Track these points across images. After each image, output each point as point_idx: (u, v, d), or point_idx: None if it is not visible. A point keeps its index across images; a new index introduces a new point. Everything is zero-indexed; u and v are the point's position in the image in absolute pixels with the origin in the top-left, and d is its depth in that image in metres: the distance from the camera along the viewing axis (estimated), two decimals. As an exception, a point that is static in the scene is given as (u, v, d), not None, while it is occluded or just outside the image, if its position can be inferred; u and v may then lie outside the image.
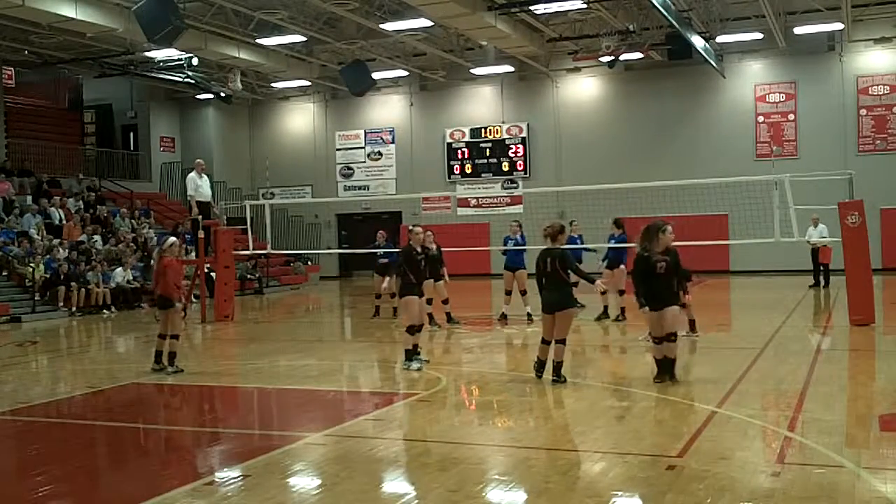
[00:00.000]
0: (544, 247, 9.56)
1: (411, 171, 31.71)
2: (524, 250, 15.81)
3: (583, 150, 29.30)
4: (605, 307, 15.51)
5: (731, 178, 20.61)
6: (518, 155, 30.33)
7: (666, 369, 9.30)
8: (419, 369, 10.46)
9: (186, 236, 20.63)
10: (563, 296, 9.38)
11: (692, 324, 12.88)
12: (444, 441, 7.29)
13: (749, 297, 20.76)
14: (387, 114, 32.46)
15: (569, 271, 9.42)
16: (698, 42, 22.86)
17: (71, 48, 25.74)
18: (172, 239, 11.73)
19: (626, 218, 15.89)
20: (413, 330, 10.68)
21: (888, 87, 26.60)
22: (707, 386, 9.33)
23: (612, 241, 15.47)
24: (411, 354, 10.66)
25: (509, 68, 28.71)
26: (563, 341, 9.38)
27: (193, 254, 20.16)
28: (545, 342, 9.51)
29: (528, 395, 9.15)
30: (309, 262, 31.51)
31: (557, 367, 9.36)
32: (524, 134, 30.31)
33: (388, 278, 10.17)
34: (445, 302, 15.41)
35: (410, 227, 11.53)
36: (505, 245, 16.21)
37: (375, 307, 17.35)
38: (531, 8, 22.67)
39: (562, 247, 9.57)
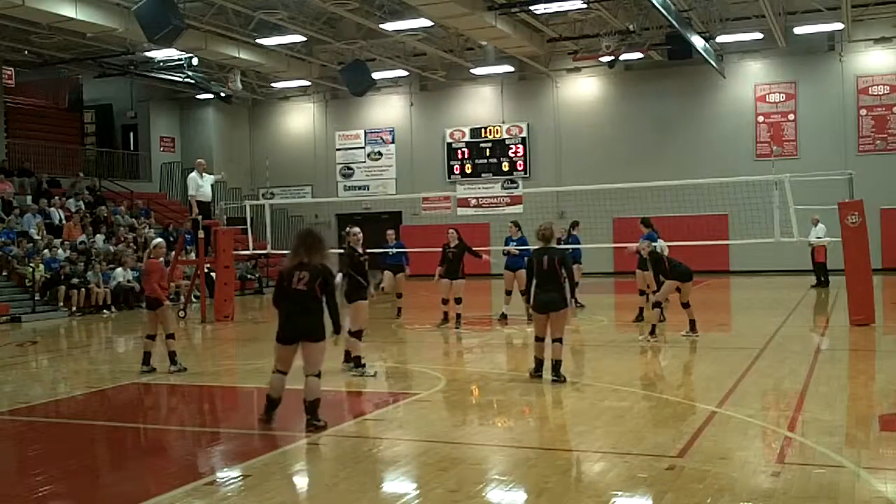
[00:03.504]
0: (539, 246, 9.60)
1: (411, 171, 31.70)
2: (527, 251, 15.78)
3: (583, 150, 29.28)
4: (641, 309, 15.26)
5: (731, 178, 20.59)
6: (518, 155, 30.32)
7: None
8: (374, 375, 10.33)
9: (187, 236, 20.63)
10: (560, 295, 9.39)
11: (692, 324, 12.89)
12: (444, 441, 7.28)
13: (749, 297, 20.74)
14: (387, 114, 32.44)
15: (565, 272, 9.44)
16: (698, 42, 22.86)
17: (71, 48, 25.73)
18: (158, 240, 11.84)
19: (625, 218, 15.87)
20: (361, 335, 10.47)
21: (888, 87, 26.59)
22: (707, 386, 9.33)
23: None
24: (361, 360, 10.42)
25: (509, 68, 28.69)
26: (559, 340, 9.40)
27: (193, 254, 20.15)
28: (539, 339, 9.54)
29: (528, 395, 9.15)
30: (309, 262, 31.40)
31: (556, 366, 9.38)
32: (524, 134, 30.30)
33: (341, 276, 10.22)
34: (459, 301, 15.28)
35: (347, 230, 11.23)
36: (507, 245, 16.21)
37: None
38: (531, 8, 22.67)
39: (562, 247, 9.61)
